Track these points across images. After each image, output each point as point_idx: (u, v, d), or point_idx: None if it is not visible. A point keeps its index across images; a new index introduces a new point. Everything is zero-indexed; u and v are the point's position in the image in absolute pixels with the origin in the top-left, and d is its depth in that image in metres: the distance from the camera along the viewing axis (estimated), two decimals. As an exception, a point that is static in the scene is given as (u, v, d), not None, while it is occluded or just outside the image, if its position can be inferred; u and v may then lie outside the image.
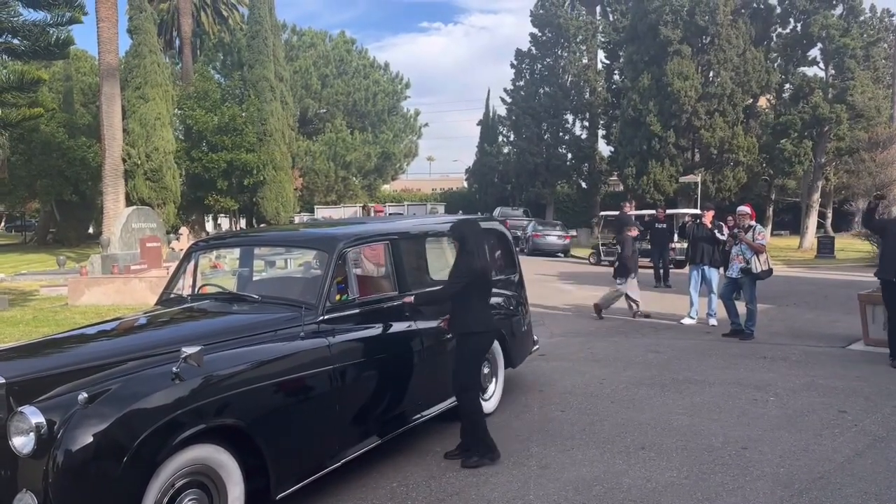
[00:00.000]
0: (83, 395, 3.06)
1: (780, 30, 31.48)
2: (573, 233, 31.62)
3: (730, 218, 14.64)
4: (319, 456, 4.09)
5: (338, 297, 4.47)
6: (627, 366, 7.79)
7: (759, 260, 9.08)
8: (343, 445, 4.25)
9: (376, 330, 4.51)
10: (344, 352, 4.20)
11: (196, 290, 5.05)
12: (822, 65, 30.00)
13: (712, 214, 10.63)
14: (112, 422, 3.07)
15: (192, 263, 5.15)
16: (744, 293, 9.24)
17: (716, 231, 10.37)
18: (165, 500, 3.27)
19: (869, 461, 4.75)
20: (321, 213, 37.27)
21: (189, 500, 3.38)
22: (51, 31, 11.88)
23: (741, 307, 9.47)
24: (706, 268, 10.38)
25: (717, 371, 7.48)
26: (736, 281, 9.41)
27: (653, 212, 19.22)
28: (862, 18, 29.51)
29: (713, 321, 10.27)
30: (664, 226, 15.44)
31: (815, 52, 30.22)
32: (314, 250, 4.98)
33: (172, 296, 5.00)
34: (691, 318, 10.48)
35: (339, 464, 4.20)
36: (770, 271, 9.36)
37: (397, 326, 4.38)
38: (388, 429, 4.53)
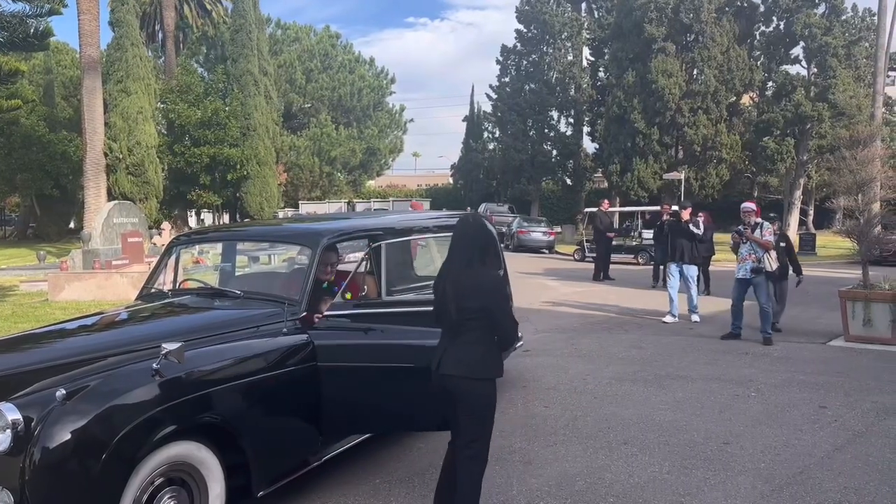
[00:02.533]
0: (61, 392, 3.02)
1: (763, 28, 31.73)
2: (558, 229, 31.70)
3: (701, 214, 14.74)
4: (301, 453, 4.06)
5: (347, 296, 4.51)
6: (611, 362, 7.82)
7: (770, 257, 8.69)
8: (325, 442, 4.22)
9: (360, 327, 4.48)
10: (327, 348, 4.16)
11: (177, 285, 5.00)
12: (804, 63, 30.28)
13: (689, 212, 10.63)
14: (90, 419, 3.03)
15: (173, 258, 5.09)
16: (756, 294, 8.71)
17: (693, 227, 10.37)
18: (145, 497, 3.24)
19: (848, 456, 4.79)
20: (305, 208, 37.14)
21: (169, 498, 3.35)
22: (30, 23, 11.73)
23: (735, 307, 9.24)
24: (686, 265, 10.39)
25: (699, 367, 7.53)
26: (748, 282, 8.83)
27: (656, 208, 19.16)
28: (844, 17, 29.81)
29: (696, 317, 10.33)
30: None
31: (797, 51, 30.51)
32: (297, 245, 4.94)
33: (153, 291, 4.95)
34: (673, 315, 10.42)
35: (321, 461, 4.18)
36: (780, 270, 9.11)
37: (380, 325, 4.34)
38: (372, 427, 4.50)
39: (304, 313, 4.24)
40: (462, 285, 3.47)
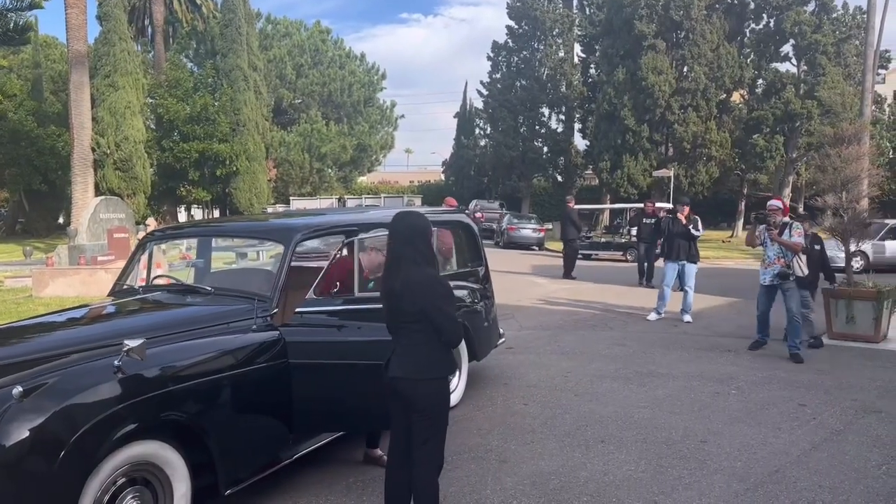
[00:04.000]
0: (18, 389, 2.95)
1: (753, 25, 31.80)
2: (548, 226, 31.68)
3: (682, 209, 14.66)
4: (271, 451, 4.01)
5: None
6: (593, 359, 7.79)
7: (801, 261, 7.76)
8: (297, 440, 4.17)
9: (334, 323, 4.43)
10: (299, 345, 4.11)
11: (149, 281, 4.93)
12: (794, 60, 30.35)
13: (687, 210, 10.47)
14: (48, 416, 2.97)
15: (146, 254, 5.03)
16: (787, 302, 7.73)
17: (691, 226, 10.22)
18: (106, 497, 3.18)
19: (825, 454, 4.78)
20: (296, 204, 37.01)
21: (132, 498, 3.29)
22: (10, 17, 11.59)
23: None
24: (685, 263, 10.22)
25: (681, 364, 7.51)
26: (775, 289, 7.86)
27: (640, 205, 18.90)
28: (834, 15, 29.91)
29: (687, 318, 10.12)
30: (652, 220, 14.68)
31: (787, 48, 30.59)
32: (271, 241, 4.89)
33: (125, 287, 4.89)
34: (658, 313, 10.33)
35: (291, 459, 4.13)
36: (813, 272, 8.25)
37: (354, 322, 4.29)
38: (345, 426, 4.45)
39: (276, 310, 4.19)
40: (395, 288, 3.39)
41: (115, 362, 3.23)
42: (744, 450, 4.89)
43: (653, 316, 10.35)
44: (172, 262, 11.60)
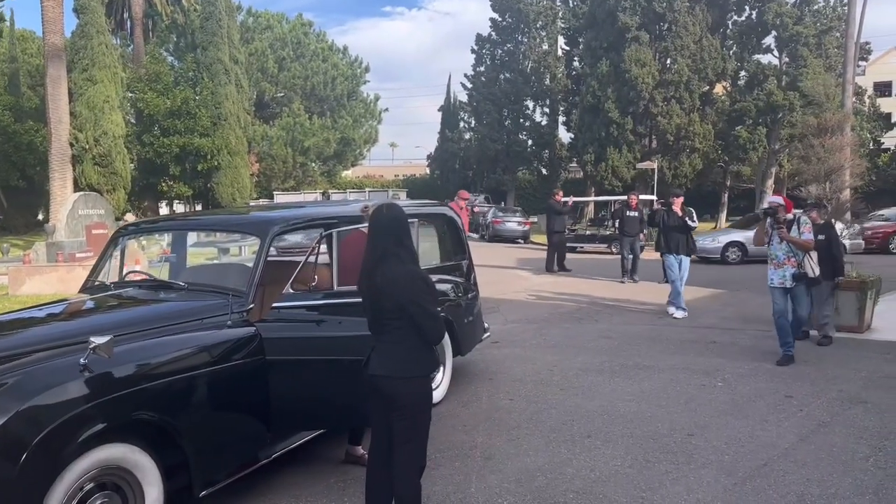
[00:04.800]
0: (-24, 391, 2.82)
1: (735, 17, 31.88)
2: (533, 219, 31.65)
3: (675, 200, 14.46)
4: (248, 451, 3.89)
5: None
6: (579, 352, 7.72)
7: (812, 259, 7.19)
8: (275, 440, 4.06)
9: (312, 318, 4.30)
10: (276, 341, 3.98)
11: (122, 276, 4.78)
12: (776, 52, 30.46)
13: (681, 201, 10.22)
14: (9, 417, 2.84)
15: (118, 249, 4.88)
16: (794, 304, 7.29)
17: (687, 218, 9.95)
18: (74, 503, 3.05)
19: (812, 447, 4.72)
20: (280, 199, 36.71)
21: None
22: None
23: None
24: (684, 257, 9.95)
25: (666, 356, 7.45)
26: (789, 291, 7.22)
27: (623, 198, 18.61)
28: (815, 7, 30.02)
29: (680, 314, 9.87)
30: (636, 214, 14.25)
31: (769, 40, 30.70)
32: (247, 235, 4.75)
33: (96, 283, 4.73)
34: (683, 310, 9.91)
35: (269, 459, 4.01)
36: (828, 274, 7.63)
37: (333, 317, 4.17)
38: (325, 424, 4.33)
39: (252, 305, 4.06)
40: (376, 284, 3.28)
41: (81, 360, 3.10)
42: (731, 443, 4.82)
43: (679, 314, 9.87)
44: (152, 259, 11.41)
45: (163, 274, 5.23)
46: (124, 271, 4.88)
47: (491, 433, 5.11)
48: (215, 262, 9.14)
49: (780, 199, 7.38)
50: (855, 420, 5.27)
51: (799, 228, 7.13)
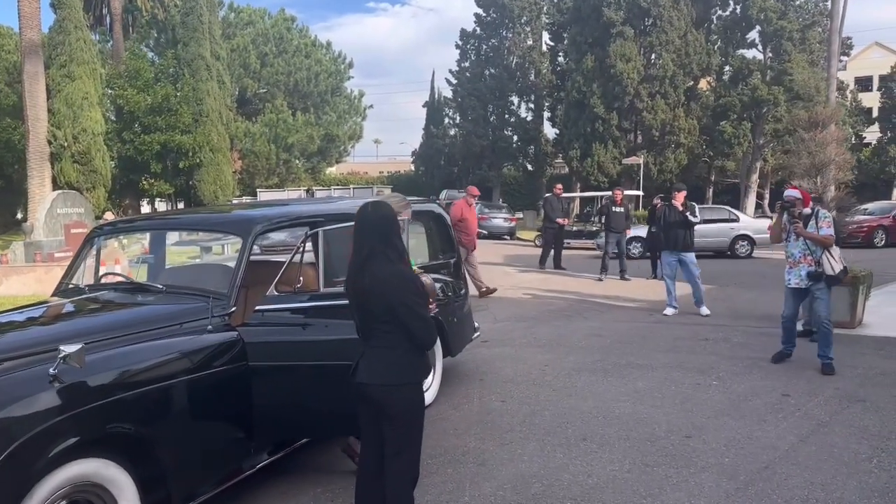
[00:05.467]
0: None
1: (720, 12, 31.94)
2: (519, 215, 31.54)
3: (657, 200, 14.31)
4: (230, 462, 3.71)
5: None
6: (570, 351, 7.58)
7: (832, 257, 6.46)
8: (259, 449, 3.87)
9: (298, 322, 4.11)
10: (260, 346, 3.80)
11: (97, 278, 4.57)
12: (760, 47, 30.53)
13: (684, 195, 9.85)
14: (-28, 435, 2.63)
15: (93, 249, 4.66)
16: (815, 307, 6.62)
17: (688, 214, 9.55)
18: (44, 522, 2.85)
19: (813, 448, 4.60)
20: (263, 196, 36.33)
21: (72, 523, 2.97)
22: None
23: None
24: (683, 254, 9.58)
25: (659, 354, 7.33)
26: (804, 292, 6.64)
27: (608, 193, 18.42)
28: (798, 2, 30.14)
29: (705, 310, 9.53)
30: (621, 209, 14.00)
31: (753, 35, 30.75)
32: (228, 234, 4.55)
33: (70, 286, 4.51)
34: (673, 307, 9.70)
35: (253, 469, 3.82)
36: (845, 270, 6.73)
37: (320, 320, 3.98)
38: (311, 432, 4.15)
39: (234, 308, 3.87)
40: (362, 287, 3.11)
41: (51, 370, 2.90)
42: (730, 445, 4.70)
43: (669, 311, 9.69)
44: (133, 259, 11.14)
45: (141, 275, 5.02)
46: (100, 273, 4.67)
47: (483, 437, 4.95)
48: (196, 262, 8.90)
49: (797, 193, 6.73)
50: (854, 419, 5.16)
51: (817, 223, 6.52)
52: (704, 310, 9.50)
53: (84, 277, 4.60)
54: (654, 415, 5.35)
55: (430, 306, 4.00)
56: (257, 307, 3.99)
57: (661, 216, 10.11)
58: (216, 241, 10.86)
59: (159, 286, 4.11)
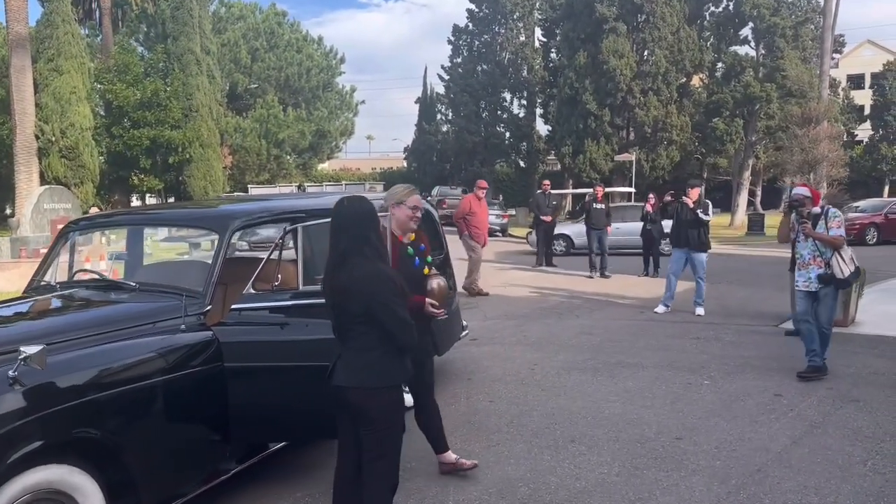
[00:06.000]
0: None
1: (713, 8, 31.87)
2: (511, 212, 31.46)
3: (651, 196, 14.22)
4: (205, 466, 3.58)
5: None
6: (560, 349, 7.46)
7: (842, 259, 6.11)
8: (235, 453, 3.73)
9: (276, 321, 3.97)
10: (236, 346, 3.66)
11: (71, 275, 4.42)
12: (753, 44, 30.48)
13: (698, 192, 9.56)
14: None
15: (67, 245, 4.51)
16: (818, 310, 6.18)
17: (699, 212, 9.27)
18: (3, 533, 2.72)
19: (806, 450, 4.50)
20: (254, 192, 36.12)
21: (34, 532, 2.83)
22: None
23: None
24: (694, 252, 9.31)
25: (650, 353, 7.22)
26: (814, 294, 6.19)
27: (590, 190, 18.30)
28: (790, -1, 30.07)
29: (700, 310, 9.32)
30: (602, 206, 13.88)
31: (746, 31, 30.69)
32: (204, 230, 4.41)
33: (42, 283, 4.37)
34: (665, 305, 9.58)
35: (229, 474, 3.69)
36: (858, 272, 6.48)
37: (298, 319, 3.85)
38: (289, 436, 4.01)
39: (209, 307, 3.73)
40: (339, 286, 2.97)
41: (10, 373, 2.76)
42: (722, 447, 4.59)
43: (660, 309, 9.55)
44: (115, 254, 10.97)
45: (122, 272, 4.87)
46: (74, 270, 4.52)
47: (470, 439, 4.83)
48: (174, 259, 8.73)
49: (806, 191, 6.36)
50: (848, 420, 5.06)
51: (827, 223, 6.14)
52: (700, 310, 9.35)
53: (57, 274, 4.45)
54: (644, 415, 5.24)
55: (441, 310, 3.87)
56: (234, 306, 3.85)
57: (674, 214, 9.86)
58: (198, 237, 10.66)
59: (132, 284, 3.97)
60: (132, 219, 4.77)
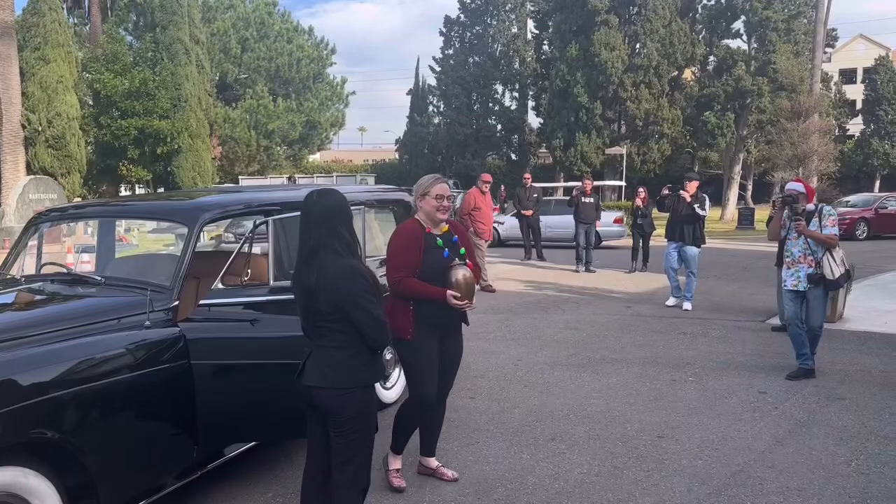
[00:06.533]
0: None
1: (705, 1, 31.72)
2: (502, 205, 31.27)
3: (641, 190, 14.10)
4: (171, 467, 3.46)
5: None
6: (545, 345, 7.38)
7: (833, 259, 5.90)
8: (202, 454, 3.62)
9: (245, 317, 3.85)
10: (203, 343, 3.54)
11: (38, 269, 4.29)
12: (745, 37, 30.38)
13: (696, 186, 9.40)
14: None
15: (35, 237, 4.38)
16: (810, 312, 6.01)
17: (696, 207, 9.21)
18: (-49, 539, 2.61)
19: (790, 450, 4.42)
20: (245, 183, 35.86)
21: (-14, 537, 2.72)
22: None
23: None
24: (687, 246, 9.27)
25: (635, 349, 7.15)
26: (803, 295, 6.01)
27: (578, 184, 18.19)
28: (783, -8, 29.95)
29: (688, 305, 9.28)
30: (591, 200, 13.78)
31: (738, 25, 30.59)
32: (174, 223, 4.28)
33: (7, 276, 4.23)
34: (675, 297, 9.53)
35: (197, 475, 3.58)
36: (848, 274, 6.18)
37: (269, 316, 3.73)
38: (259, 435, 3.91)
39: (176, 302, 3.61)
40: (309, 283, 2.85)
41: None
42: (704, 446, 4.51)
43: (671, 301, 9.53)
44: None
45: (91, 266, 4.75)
46: (42, 262, 4.38)
47: (449, 437, 4.73)
48: (146, 252, 8.60)
49: (800, 187, 6.12)
50: (833, 419, 4.99)
51: (821, 221, 5.94)
52: (688, 305, 9.29)
53: (24, 267, 4.32)
54: (626, 413, 5.16)
55: (465, 301, 3.71)
56: (201, 301, 3.73)
57: (670, 208, 9.76)
58: (168, 229, 10.47)
59: (98, 278, 3.84)
60: (103, 210, 4.63)
